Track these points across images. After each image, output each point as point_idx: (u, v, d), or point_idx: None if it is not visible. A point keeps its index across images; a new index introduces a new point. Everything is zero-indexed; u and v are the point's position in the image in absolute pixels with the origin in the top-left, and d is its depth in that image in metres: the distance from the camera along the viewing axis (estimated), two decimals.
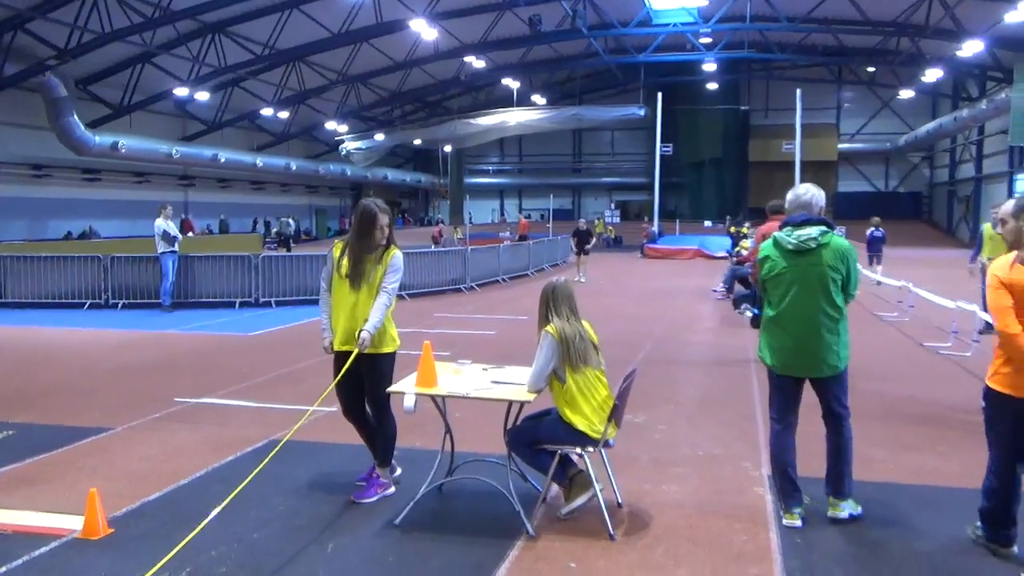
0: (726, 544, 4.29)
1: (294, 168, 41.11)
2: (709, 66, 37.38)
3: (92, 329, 12.63)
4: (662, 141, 36.75)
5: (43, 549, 4.19)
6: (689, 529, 4.50)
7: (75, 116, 27.18)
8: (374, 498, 4.91)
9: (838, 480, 4.54)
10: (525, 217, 41.96)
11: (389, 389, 4.67)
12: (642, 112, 40.32)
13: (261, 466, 4.52)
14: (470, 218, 47.28)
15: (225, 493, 4.84)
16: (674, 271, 25.36)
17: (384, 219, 4.83)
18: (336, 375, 4.75)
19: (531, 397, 4.37)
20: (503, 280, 20.42)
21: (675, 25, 31.86)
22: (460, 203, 48.28)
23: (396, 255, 4.87)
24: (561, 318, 4.48)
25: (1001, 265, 3.94)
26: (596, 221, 39.36)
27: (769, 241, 4.66)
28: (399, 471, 5.16)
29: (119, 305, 15.25)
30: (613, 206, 53.03)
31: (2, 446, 6.09)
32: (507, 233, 40.00)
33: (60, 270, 15.71)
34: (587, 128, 49.61)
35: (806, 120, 33.89)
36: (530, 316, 13.50)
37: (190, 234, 29.15)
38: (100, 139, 28.46)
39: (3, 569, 3.96)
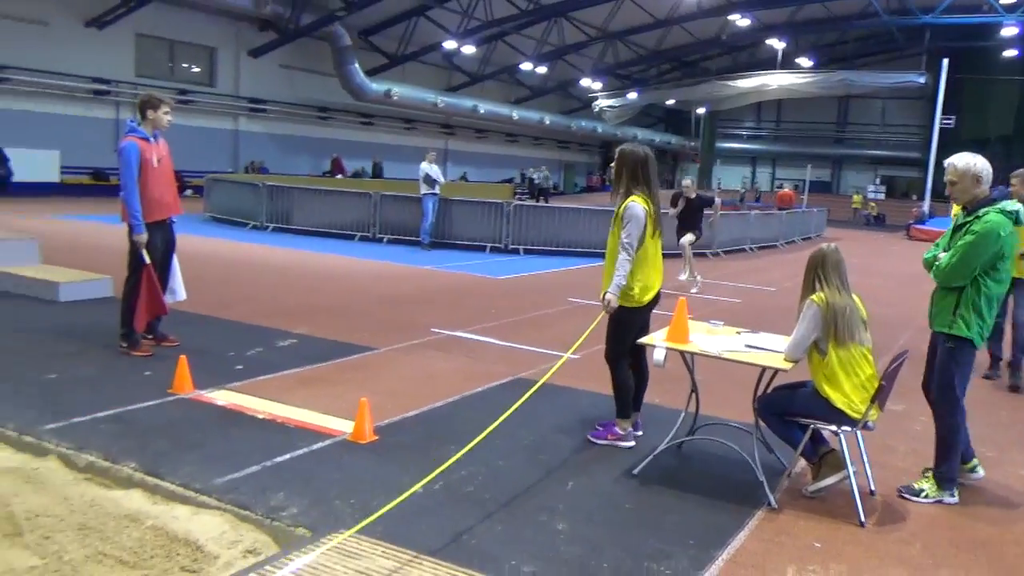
0: (996, 555, 3.89)
1: (547, 122, 41.96)
2: (1009, 30, 33.02)
3: (361, 259, 13.83)
4: (943, 113, 33.23)
5: (318, 445, 4.70)
6: (951, 530, 4.13)
7: (356, 64, 29.54)
8: (603, 441, 4.99)
9: None
10: (792, 188, 39.92)
11: (640, 341, 4.68)
12: (922, 80, 36.54)
13: (524, 399, 4.65)
14: (719, 183, 45.92)
15: (474, 419, 5.15)
16: None
17: None
18: (634, 329, 4.81)
19: (788, 366, 4.19)
20: (750, 249, 19.65)
21: None
22: (709, 167, 46.90)
23: (630, 205, 4.79)
24: (830, 287, 4.23)
25: None
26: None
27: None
28: (640, 432, 5.17)
29: (384, 239, 16.56)
30: (878, 181, 48.99)
31: (287, 352, 6.88)
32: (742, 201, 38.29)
33: (337, 204, 17.35)
34: (856, 95, 45.96)
35: None
36: (778, 288, 13.05)
37: (339, 176, 30.79)
38: (376, 86, 30.74)
39: (287, 456, 4.48)
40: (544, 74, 39.68)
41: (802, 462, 4.54)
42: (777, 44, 38.05)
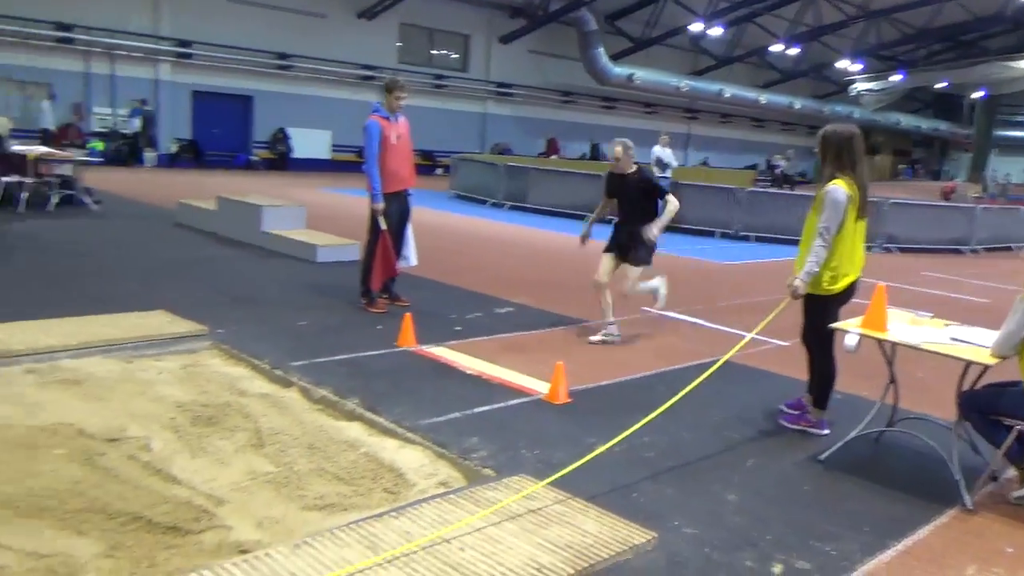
0: None
1: (797, 107, 39.97)
2: None
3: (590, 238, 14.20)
4: None
5: (514, 401, 5.11)
6: None
7: (601, 48, 29.94)
8: (795, 427, 4.95)
9: None
10: None
11: (833, 326, 4.59)
12: None
13: (709, 372, 4.71)
14: (996, 175, 41.26)
15: (666, 394, 5.30)
16: None
17: None
18: (827, 318, 4.68)
19: (992, 361, 3.95)
20: (1015, 248, 17.68)
21: None
22: (984, 158, 42.34)
23: (830, 189, 4.64)
24: None
25: None
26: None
27: None
28: (831, 428, 5.04)
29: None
30: None
31: (503, 318, 7.40)
32: None
33: (567, 184, 17.90)
34: None
35: None
36: None
37: (553, 156, 30.46)
38: (619, 70, 30.98)
39: (485, 408, 4.93)
40: (796, 56, 37.77)
41: (1010, 466, 4.26)
42: None
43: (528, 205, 18.06)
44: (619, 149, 6.75)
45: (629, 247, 6.82)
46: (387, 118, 6.98)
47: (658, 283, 7.15)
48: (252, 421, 4.50)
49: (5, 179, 11.83)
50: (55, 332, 5.57)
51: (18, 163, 12.07)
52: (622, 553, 3.32)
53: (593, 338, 6.82)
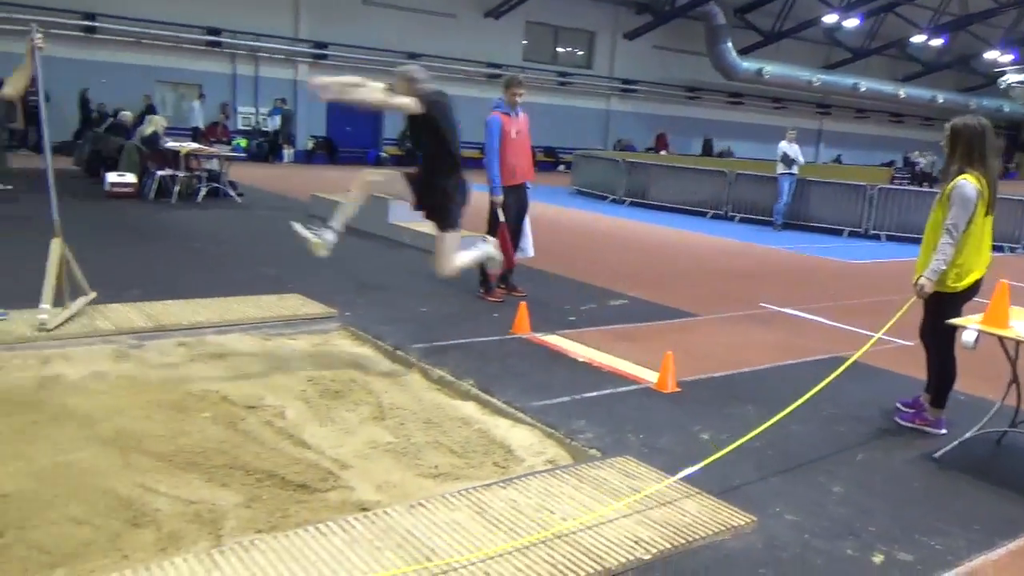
0: None
1: (940, 101, 37.83)
2: None
3: (707, 234, 14.11)
4: None
5: (623, 388, 5.24)
6: None
7: (729, 43, 29.35)
8: (910, 424, 4.86)
9: None
10: None
11: (951, 321, 4.48)
12: None
13: (841, 369, 4.63)
14: None
15: (777, 388, 5.33)
16: None
17: None
18: (949, 316, 4.56)
19: None
20: None
21: None
22: None
23: (959, 184, 4.50)
24: None
25: None
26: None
27: None
28: (948, 428, 4.90)
29: (736, 218, 16.60)
30: None
31: (616, 310, 7.52)
32: None
33: (691, 181, 17.75)
34: None
35: None
36: None
37: (663, 152, 29.41)
38: (747, 65, 30.27)
39: (594, 393, 5.09)
40: (940, 47, 35.78)
41: None
42: None
43: (649, 201, 18.02)
44: (415, 75, 5.07)
45: (433, 206, 5.25)
46: (507, 113, 7.23)
47: (484, 249, 5.81)
48: (374, 396, 4.82)
49: (160, 172, 12.89)
50: (203, 310, 6.13)
51: (171, 158, 13.12)
52: (719, 533, 3.41)
53: (298, 226, 5.07)
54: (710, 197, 17.21)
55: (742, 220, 16.43)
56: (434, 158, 5.21)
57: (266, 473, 3.70)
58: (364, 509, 3.46)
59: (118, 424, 4.10)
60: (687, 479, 3.80)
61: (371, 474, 3.85)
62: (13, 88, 5.36)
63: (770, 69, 30.88)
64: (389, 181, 5.44)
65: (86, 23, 20.64)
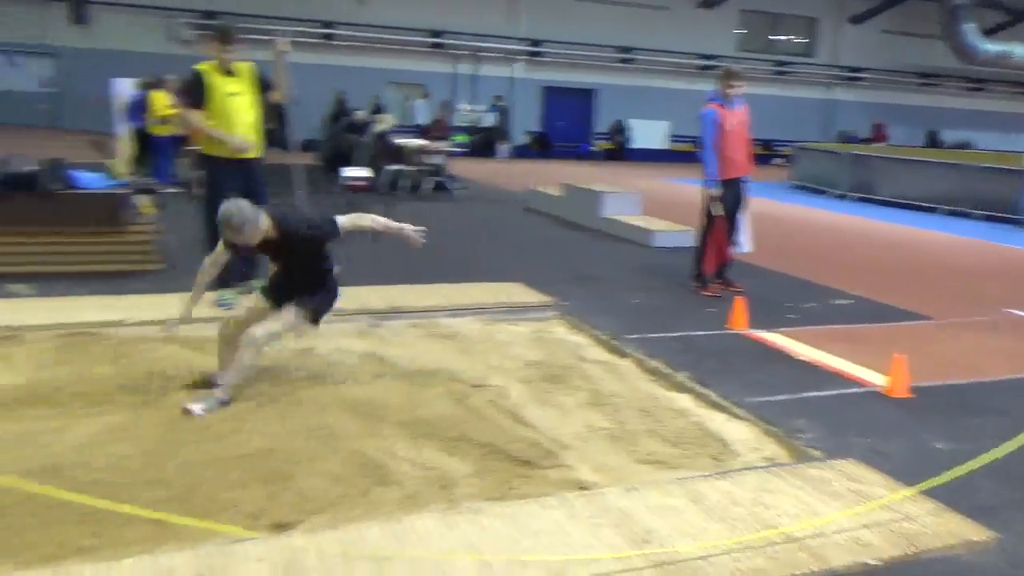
0: None
1: None
2: None
3: (943, 232, 13.07)
4: None
5: (847, 390, 5.05)
6: None
7: (971, 24, 26.78)
8: None
9: None
10: None
11: None
12: None
13: None
14: None
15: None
16: None
17: None
18: None
19: None
20: None
21: None
22: None
23: None
24: None
25: None
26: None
27: None
28: None
29: (976, 215, 15.21)
30: None
31: (840, 309, 7.23)
32: None
33: (924, 175, 16.46)
34: None
35: None
36: None
37: (880, 144, 26.26)
38: (991, 47, 27.44)
39: (815, 393, 4.95)
40: None
41: None
42: None
43: (875, 197, 16.91)
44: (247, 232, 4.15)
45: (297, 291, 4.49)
46: (723, 105, 7.13)
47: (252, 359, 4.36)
48: (591, 383, 4.98)
49: (390, 167, 13.87)
50: (433, 295, 6.59)
51: (399, 154, 14.07)
52: (954, 547, 3.24)
53: (193, 406, 4.10)
54: (942, 193, 15.87)
55: (981, 217, 15.02)
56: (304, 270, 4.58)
57: (492, 447, 3.95)
58: (582, 488, 3.61)
59: (362, 394, 4.53)
60: (921, 487, 3.62)
61: (588, 456, 4.00)
62: (280, 93, 6.04)
63: (1020, 51, 27.83)
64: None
65: (325, 31, 22.54)
